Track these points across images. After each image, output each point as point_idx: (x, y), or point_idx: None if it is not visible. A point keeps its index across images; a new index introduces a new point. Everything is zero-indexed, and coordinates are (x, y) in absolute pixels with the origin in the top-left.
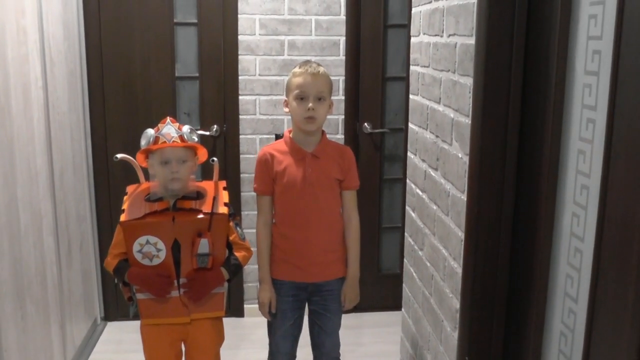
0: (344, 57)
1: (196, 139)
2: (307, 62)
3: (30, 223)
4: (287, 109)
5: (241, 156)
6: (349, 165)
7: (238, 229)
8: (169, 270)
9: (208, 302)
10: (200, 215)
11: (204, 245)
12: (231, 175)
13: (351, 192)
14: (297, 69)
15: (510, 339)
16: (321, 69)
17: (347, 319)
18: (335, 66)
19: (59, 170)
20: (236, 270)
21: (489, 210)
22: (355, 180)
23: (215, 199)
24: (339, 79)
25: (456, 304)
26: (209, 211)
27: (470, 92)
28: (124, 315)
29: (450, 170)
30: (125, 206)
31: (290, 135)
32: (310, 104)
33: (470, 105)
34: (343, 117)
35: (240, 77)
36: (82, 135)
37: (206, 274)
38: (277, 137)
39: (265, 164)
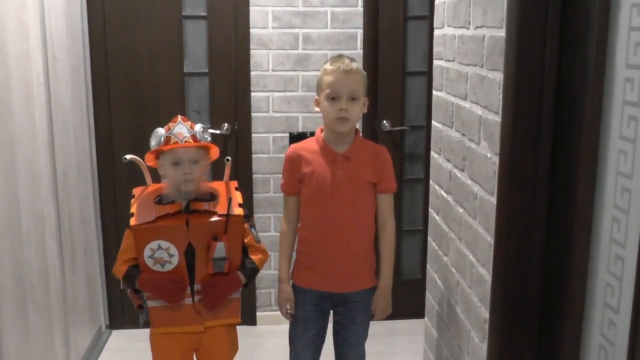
0: (361, 51)
1: (209, 138)
2: (339, 57)
3: (32, 226)
4: (317, 108)
5: (253, 156)
6: (383, 167)
7: (253, 230)
8: (182, 276)
9: (224, 309)
10: (216, 218)
11: (220, 249)
12: (243, 175)
13: (387, 196)
14: (328, 66)
15: (544, 351)
16: (354, 65)
17: None
18: None
19: (62, 171)
20: (253, 274)
21: (520, 214)
22: (391, 183)
23: (230, 199)
24: None
25: (485, 313)
26: (225, 213)
27: (500, 88)
28: (130, 323)
29: (477, 171)
30: (134, 209)
31: (322, 134)
32: (343, 105)
33: (500, 101)
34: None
35: (252, 73)
36: (86, 134)
37: (223, 279)
38: (291, 135)
39: (292, 164)
